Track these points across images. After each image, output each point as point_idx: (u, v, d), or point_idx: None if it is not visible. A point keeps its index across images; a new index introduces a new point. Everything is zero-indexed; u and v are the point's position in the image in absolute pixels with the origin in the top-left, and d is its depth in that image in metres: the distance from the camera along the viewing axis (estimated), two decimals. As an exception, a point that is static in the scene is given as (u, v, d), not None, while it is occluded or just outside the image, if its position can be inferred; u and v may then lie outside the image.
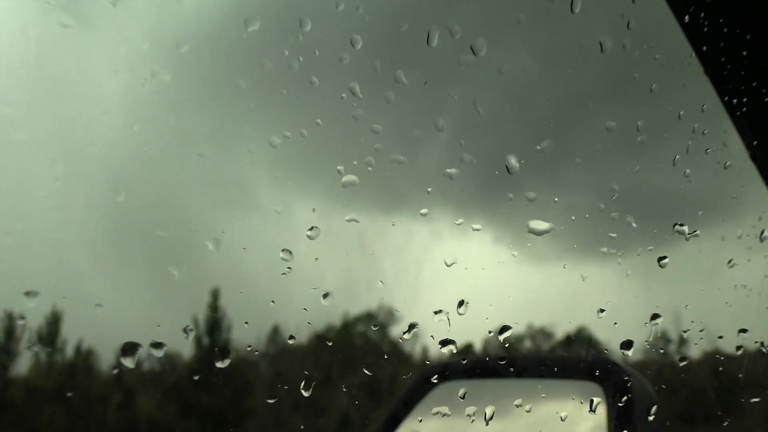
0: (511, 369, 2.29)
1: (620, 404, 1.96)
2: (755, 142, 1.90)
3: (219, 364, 1.90)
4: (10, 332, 11.80)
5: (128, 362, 1.73)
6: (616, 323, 1.93)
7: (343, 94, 1.50)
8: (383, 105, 1.55)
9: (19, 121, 1.36)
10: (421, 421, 1.92)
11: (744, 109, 1.88)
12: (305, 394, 1.80)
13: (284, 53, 1.46)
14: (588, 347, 2.22)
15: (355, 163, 1.56)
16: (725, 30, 1.75)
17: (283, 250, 1.61)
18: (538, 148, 1.67)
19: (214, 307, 11.87)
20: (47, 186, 1.45)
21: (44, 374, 12.40)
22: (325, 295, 1.72)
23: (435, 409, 2.02)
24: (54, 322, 12.11)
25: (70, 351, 13.02)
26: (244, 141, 1.70)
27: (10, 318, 11.62)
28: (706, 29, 1.76)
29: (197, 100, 1.71)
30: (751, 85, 1.86)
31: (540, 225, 1.70)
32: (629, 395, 1.99)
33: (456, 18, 1.53)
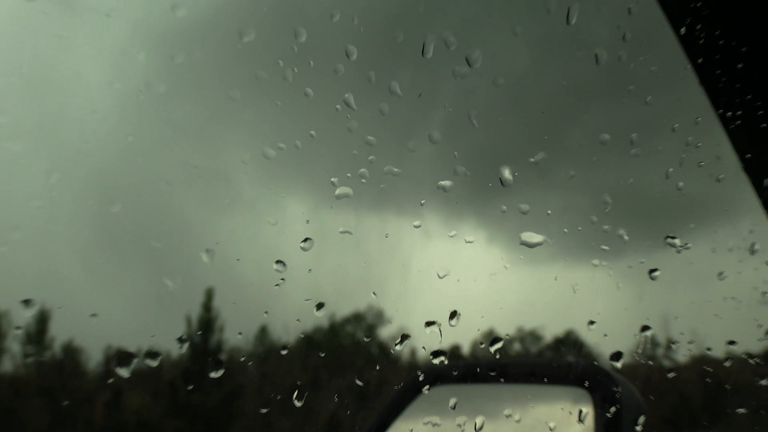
0: (501, 377, 2.28)
1: (608, 414, 1.96)
2: (748, 155, 1.90)
3: (213, 374, 1.90)
4: (2, 334, 11.76)
5: (123, 372, 1.73)
6: (606, 335, 1.94)
7: (338, 106, 1.50)
8: (378, 117, 1.55)
9: (14, 132, 1.35)
10: (412, 430, 1.91)
11: (738, 122, 1.88)
12: (297, 404, 1.79)
13: (279, 64, 1.46)
14: (578, 355, 2.23)
15: (349, 175, 1.55)
16: (721, 42, 1.75)
17: (276, 262, 1.60)
18: (532, 160, 1.67)
19: (207, 307, 11.86)
20: (42, 196, 1.44)
21: (32, 371, 12.37)
22: (319, 306, 1.72)
23: (426, 419, 2.02)
24: (42, 320, 12.10)
25: (57, 349, 12.99)
26: (239, 152, 1.69)
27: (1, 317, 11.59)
28: (702, 41, 1.76)
29: (192, 111, 1.70)
30: (745, 98, 1.87)
31: (533, 237, 1.70)
32: (618, 405, 1.98)
33: (451, 29, 1.53)
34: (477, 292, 1.83)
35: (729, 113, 1.84)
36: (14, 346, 12.25)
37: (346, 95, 1.52)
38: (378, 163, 1.56)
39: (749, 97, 1.79)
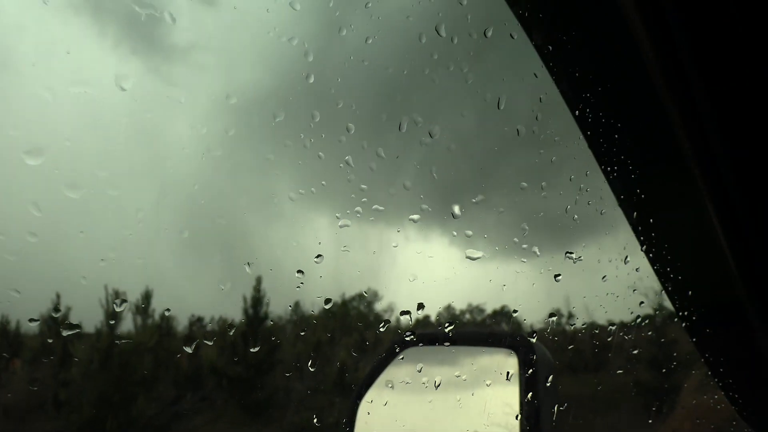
0: (454, 343, 2.24)
1: (527, 373, 1.92)
2: (621, 196, 1.88)
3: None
4: (117, 304, 11.65)
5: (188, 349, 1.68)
6: (525, 319, 1.91)
7: (341, 164, 1.47)
8: (369, 172, 1.52)
9: (114, 179, 1.33)
10: (392, 387, 1.87)
11: (615, 174, 1.85)
12: (312, 369, 1.76)
13: (300, 136, 1.43)
14: (508, 326, 2.19)
15: (348, 211, 1.52)
16: (603, 120, 1.72)
17: (297, 271, 1.57)
18: (474, 201, 1.64)
19: (258, 288, 11.80)
20: (134, 226, 1.42)
21: (140, 333, 12.27)
22: (327, 301, 1.70)
23: (400, 378, 1.98)
24: (147, 297, 11.94)
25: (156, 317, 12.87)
26: (272, 196, 1.66)
27: (117, 294, 11.47)
28: (590, 120, 1.73)
29: (240, 169, 1.69)
30: (620, 157, 1.84)
31: (474, 253, 1.67)
32: (535, 366, 1.95)
33: (419, 111, 1.50)
34: (439, 289, 1.81)
35: (608, 168, 1.81)
36: (128, 315, 12.16)
37: (347, 157, 1.49)
38: (368, 203, 1.53)
39: (622, 157, 1.76)
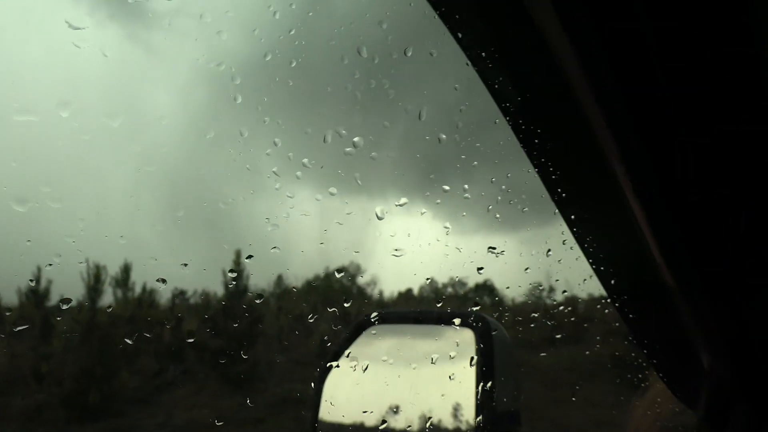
0: (420, 321, 2.36)
1: (485, 348, 2.02)
2: (545, 194, 2.00)
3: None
4: (98, 278, 11.78)
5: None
6: (448, 308, 2.08)
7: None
8: (295, 180, 1.67)
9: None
10: (356, 363, 2.00)
11: (538, 172, 1.98)
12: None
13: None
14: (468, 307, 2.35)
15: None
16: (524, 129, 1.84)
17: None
18: (397, 204, 1.80)
19: (237, 262, 11.94)
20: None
21: (121, 306, 12.41)
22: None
23: (367, 351, 2.07)
24: (126, 270, 12.02)
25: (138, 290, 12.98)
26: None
27: (98, 268, 11.58)
28: (511, 126, 1.86)
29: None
30: (540, 159, 1.96)
31: (398, 252, 1.84)
32: (491, 341, 2.04)
33: (344, 125, 1.65)
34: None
35: (534, 168, 1.95)
36: (108, 288, 12.30)
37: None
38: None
39: (543, 159, 1.91)
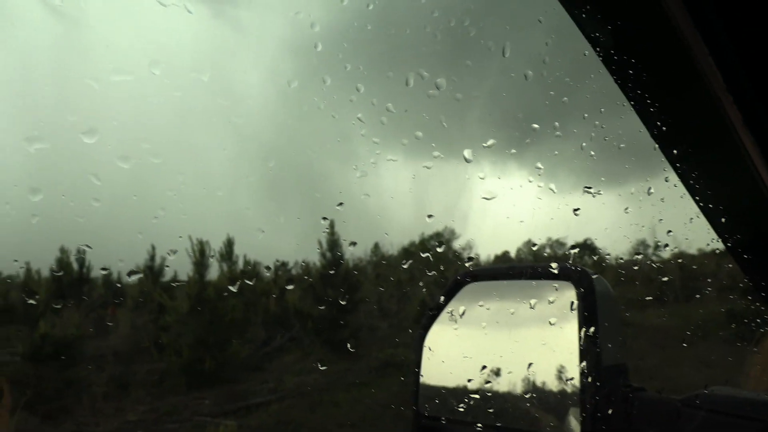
0: (517, 276, 2.35)
1: (588, 304, 1.99)
2: (644, 130, 1.91)
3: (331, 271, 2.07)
4: (203, 252, 12.42)
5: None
6: (547, 253, 2.04)
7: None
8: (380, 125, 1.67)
9: (186, 134, 1.54)
10: (455, 321, 2.01)
11: (637, 107, 1.89)
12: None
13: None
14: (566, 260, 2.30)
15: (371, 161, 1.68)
16: (616, 60, 1.76)
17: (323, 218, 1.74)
18: (485, 145, 1.76)
19: (332, 232, 12.23)
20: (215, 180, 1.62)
21: (226, 279, 13.05)
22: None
23: (462, 308, 2.07)
24: (230, 244, 12.58)
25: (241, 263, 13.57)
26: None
27: (201, 243, 12.20)
28: (602, 58, 1.77)
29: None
30: (637, 92, 1.87)
31: (489, 194, 1.80)
32: (594, 297, 2.01)
33: (425, 66, 1.62)
34: (458, 224, 1.94)
35: (630, 102, 1.85)
36: (214, 262, 12.95)
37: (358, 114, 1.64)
38: (382, 154, 1.69)
39: (639, 91, 1.81)
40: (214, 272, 12.77)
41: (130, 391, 10.08)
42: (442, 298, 2.38)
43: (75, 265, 13.51)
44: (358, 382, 10.55)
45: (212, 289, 11.71)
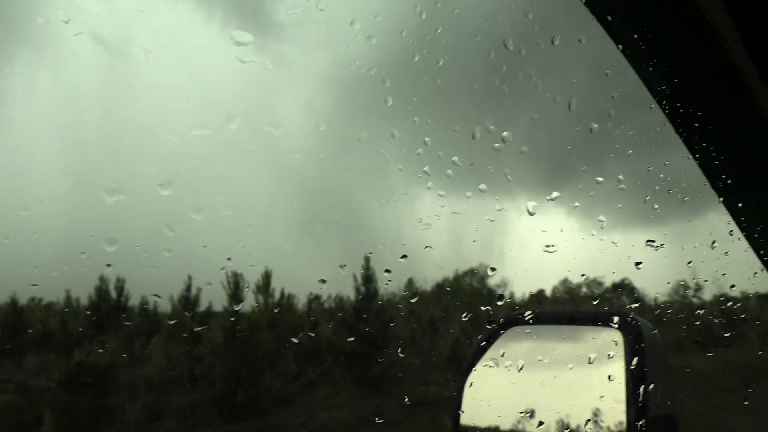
0: (558, 322, 2.30)
1: (636, 352, 1.94)
2: (708, 183, 1.89)
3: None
4: (238, 285, 12.51)
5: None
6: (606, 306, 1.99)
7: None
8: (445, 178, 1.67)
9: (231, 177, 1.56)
10: (496, 366, 1.96)
11: (700, 160, 1.87)
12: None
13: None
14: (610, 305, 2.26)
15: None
16: (682, 113, 1.74)
17: (385, 271, 1.75)
18: (549, 198, 1.76)
19: (367, 267, 12.25)
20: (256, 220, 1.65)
21: (261, 311, 13.10)
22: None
23: (502, 358, 2.03)
24: (267, 277, 12.68)
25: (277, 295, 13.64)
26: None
27: (236, 276, 12.30)
28: (668, 111, 1.76)
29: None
30: (702, 144, 1.85)
31: (550, 248, 1.79)
32: (643, 345, 1.96)
33: (492, 120, 1.63)
34: (522, 274, 1.91)
35: (694, 155, 1.83)
36: (249, 294, 13.03)
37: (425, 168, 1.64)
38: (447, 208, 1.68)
39: (704, 144, 1.79)
40: (249, 304, 12.85)
41: (162, 422, 10.10)
42: (482, 342, 2.34)
43: (114, 294, 13.72)
44: (391, 419, 10.41)
45: (246, 321, 11.76)
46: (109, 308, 13.39)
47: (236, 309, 11.80)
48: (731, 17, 1.17)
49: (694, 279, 1.99)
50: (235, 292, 12.41)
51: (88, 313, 13.33)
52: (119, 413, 10.21)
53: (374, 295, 12.28)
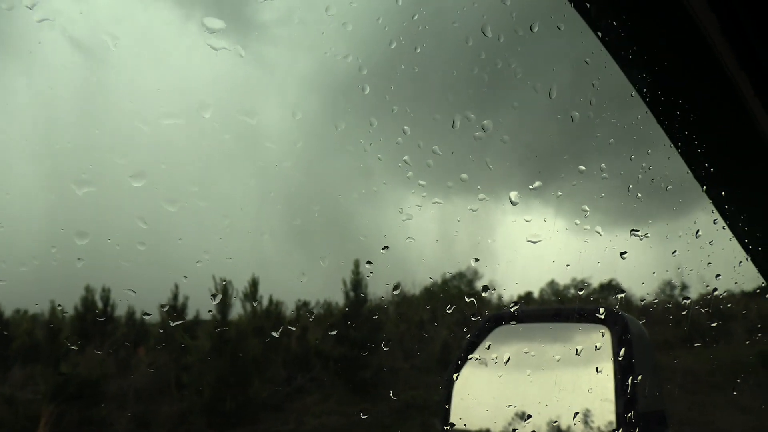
0: (545, 320, 2.29)
1: (622, 347, 1.95)
2: (690, 171, 1.88)
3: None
4: (226, 292, 12.39)
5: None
6: (591, 297, 1.97)
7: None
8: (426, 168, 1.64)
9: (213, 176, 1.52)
10: (485, 364, 1.95)
11: (682, 149, 1.86)
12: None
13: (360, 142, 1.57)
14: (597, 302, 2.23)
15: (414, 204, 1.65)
16: (663, 100, 1.73)
17: (367, 262, 1.72)
18: (531, 187, 1.73)
19: (356, 272, 12.18)
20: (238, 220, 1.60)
21: (248, 319, 12.99)
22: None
23: (492, 354, 2.02)
24: (254, 284, 12.56)
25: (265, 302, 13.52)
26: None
27: (225, 283, 12.19)
28: (649, 99, 1.75)
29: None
30: (684, 132, 1.84)
31: (535, 237, 1.76)
32: (629, 340, 1.96)
33: (471, 109, 1.60)
34: (503, 268, 1.89)
35: (675, 144, 1.81)
36: (237, 302, 12.92)
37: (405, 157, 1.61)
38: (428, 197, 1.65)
39: (686, 132, 1.77)
40: (236, 311, 12.73)
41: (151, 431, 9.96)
42: (470, 341, 2.30)
43: (99, 304, 13.53)
44: (379, 423, 10.33)
45: (233, 329, 11.64)
46: (94, 318, 13.21)
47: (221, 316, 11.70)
48: (709, 4, 1.14)
49: (678, 269, 1.96)
50: (224, 300, 12.29)
51: (75, 323, 13.15)
52: (107, 423, 10.06)
53: (363, 302, 12.22)
